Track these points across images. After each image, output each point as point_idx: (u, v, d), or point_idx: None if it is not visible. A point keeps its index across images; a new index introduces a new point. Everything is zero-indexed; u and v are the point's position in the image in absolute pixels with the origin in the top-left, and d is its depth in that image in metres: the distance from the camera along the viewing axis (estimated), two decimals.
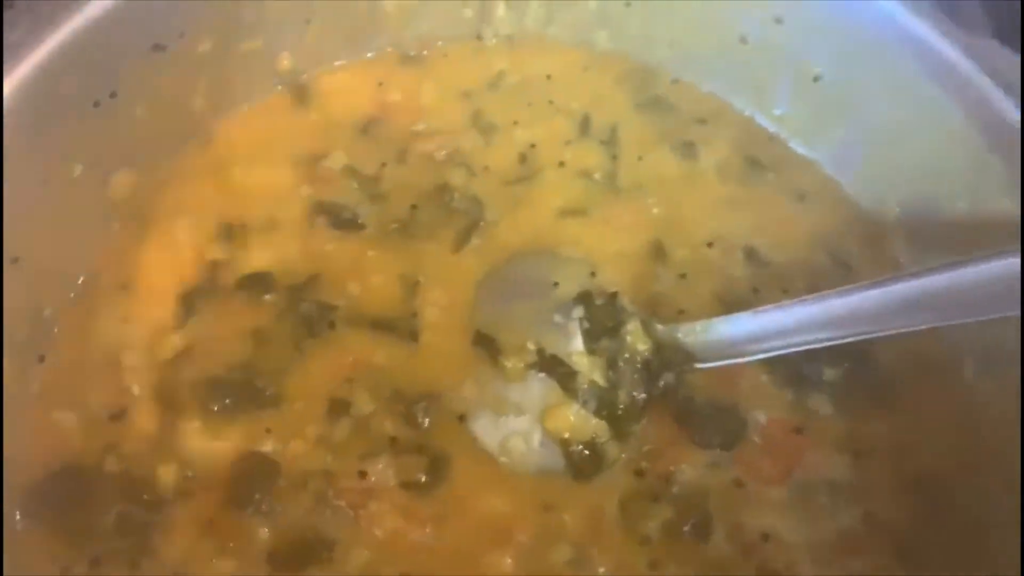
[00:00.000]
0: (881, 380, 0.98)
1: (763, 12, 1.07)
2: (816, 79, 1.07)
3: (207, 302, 0.92)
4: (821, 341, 0.88)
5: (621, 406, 0.90)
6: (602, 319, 0.93)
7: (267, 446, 0.86)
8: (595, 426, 0.90)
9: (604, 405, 0.90)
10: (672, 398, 0.92)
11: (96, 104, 0.91)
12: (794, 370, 0.96)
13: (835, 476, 0.93)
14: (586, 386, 0.90)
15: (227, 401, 0.87)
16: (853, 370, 0.97)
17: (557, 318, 0.93)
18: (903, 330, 0.84)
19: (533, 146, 1.07)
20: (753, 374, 0.96)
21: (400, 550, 0.84)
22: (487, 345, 0.92)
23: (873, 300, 0.84)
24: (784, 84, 1.10)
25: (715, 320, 0.93)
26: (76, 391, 0.87)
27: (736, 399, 0.94)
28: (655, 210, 1.04)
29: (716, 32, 1.10)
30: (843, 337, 0.87)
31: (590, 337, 0.92)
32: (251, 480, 0.84)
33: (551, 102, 1.11)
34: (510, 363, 0.91)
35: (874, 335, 0.85)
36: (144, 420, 0.87)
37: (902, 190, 1.04)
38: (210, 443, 0.86)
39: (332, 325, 0.92)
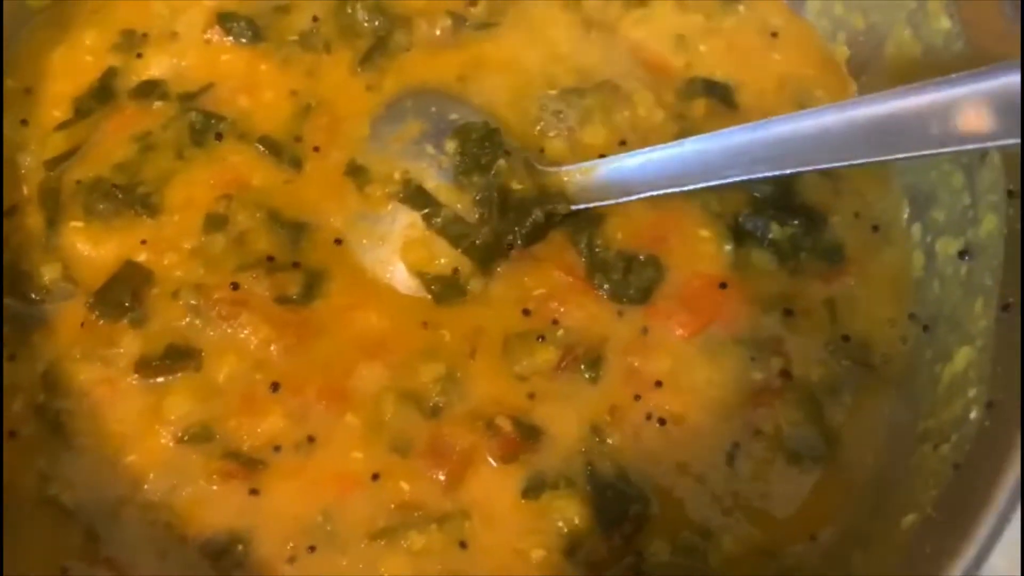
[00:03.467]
0: (832, 241, 0.91)
1: None
2: None
3: (100, 107, 0.92)
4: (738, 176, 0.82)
5: (483, 242, 0.86)
6: (477, 154, 0.88)
7: (142, 256, 0.87)
8: (456, 260, 0.87)
9: (465, 240, 0.86)
10: (578, 246, 0.88)
11: None
12: (736, 225, 0.90)
13: (758, 333, 0.87)
14: (448, 220, 0.87)
15: (108, 203, 0.88)
16: (804, 230, 0.90)
17: (430, 149, 0.90)
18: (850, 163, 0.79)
19: None
20: (690, 228, 0.89)
21: (271, 359, 0.84)
22: (358, 175, 0.90)
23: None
24: None
25: (597, 161, 0.88)
26: None
27: (660, 252, 0.88)
28: None
29: None
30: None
31: (461, 171, 0.88)
32: (123, 288, 0.85)
33: None
34: (375, 192, 0.89)
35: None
36: (31, 219, 0.89)
37: (851, 24, 0.95)
38: (90, 247, 0.87)
39: (219, 136, 0.91)
